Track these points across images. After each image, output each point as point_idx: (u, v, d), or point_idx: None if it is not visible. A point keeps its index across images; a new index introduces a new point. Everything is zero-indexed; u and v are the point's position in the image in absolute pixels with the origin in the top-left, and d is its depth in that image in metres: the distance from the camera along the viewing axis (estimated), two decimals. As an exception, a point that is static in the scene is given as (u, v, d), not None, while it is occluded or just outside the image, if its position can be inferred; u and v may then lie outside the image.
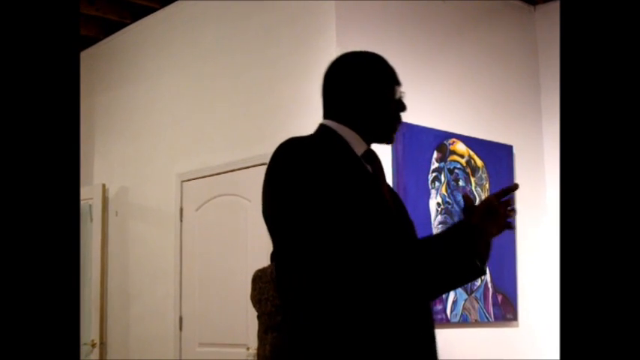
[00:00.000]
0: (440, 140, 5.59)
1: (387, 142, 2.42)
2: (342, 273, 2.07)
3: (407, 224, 2.40)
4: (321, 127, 2.37)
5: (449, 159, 5.63)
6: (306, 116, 5.21)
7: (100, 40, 7.44)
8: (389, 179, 5.26)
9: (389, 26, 5.53)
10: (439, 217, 5.50)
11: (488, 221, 2.25)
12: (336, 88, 2.38)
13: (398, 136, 5.23)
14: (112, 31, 7.26)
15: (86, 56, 7.67)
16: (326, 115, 2.39)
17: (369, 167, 2.33)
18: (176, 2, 6.59)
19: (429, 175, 5.48)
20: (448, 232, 2.28)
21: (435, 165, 5.52)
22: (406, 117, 5.40)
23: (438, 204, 5.51)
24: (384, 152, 5.22)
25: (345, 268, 2.07)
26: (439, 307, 5.42)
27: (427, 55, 5.73)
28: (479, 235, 2.23)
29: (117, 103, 7.17)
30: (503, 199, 2.30)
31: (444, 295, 5.44)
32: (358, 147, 2.32)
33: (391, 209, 2.30)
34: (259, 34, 5.74)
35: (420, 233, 5.32)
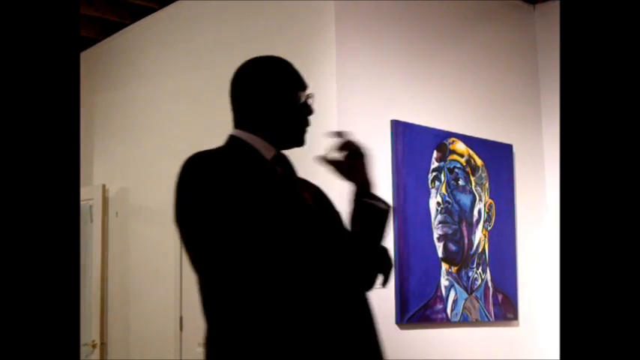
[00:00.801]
0: (439, 140, 5.59)
1: (299, 145, 2.43)
2: (255, 277, 2.12)
3: (330, 218, 2.41)
4: (230, 137, 2.40)
5: (449, 158, 5.63)
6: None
7: (100, 40, 7.44)
8: (388, 179, 5.26)
9: (388, 26, 5.53)
10: (439, 217, 5.50)
11: (360, 168, 2.43)
12: (240, 96, 2.40)
13: (397, 135, 5.24)
14: (111, 31, 7.26)
15: (85, 57, 7.67)
16: (235, 125, 2.41)
17: (279, 170, 2.35)
18: (175, 2, 6.59)
19: (429, 175, 5.48)
20: (359, 214, 2.40)
21: (434, 164, 5.52)
22: (406, 116, 5.40)
23: (438, 203, 5.51)
24: (383, 151, 5.23)
25: (257, 272, 2.11)
26: (439, 306, 5.42)
27: (426, 55, 5.73)
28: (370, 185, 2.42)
29: (117, 104, 7.17)
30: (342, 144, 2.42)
31: (444, 294, 5.44)
32: (267, 153, 2.35)
33: (307, 205, 2.31)
34: (259, 34, 5.74)
35: (421, 233, 5.31)
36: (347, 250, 2.27)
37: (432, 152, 5.53)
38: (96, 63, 7.54)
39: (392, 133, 5.33)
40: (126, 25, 7.11)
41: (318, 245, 2.20)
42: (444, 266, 5.50)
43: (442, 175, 5.56)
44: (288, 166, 2.40)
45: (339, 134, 2.42)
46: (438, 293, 5.43)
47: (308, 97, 2.44)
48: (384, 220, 2.46)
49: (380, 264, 2.45)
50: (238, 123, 2.40)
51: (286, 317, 2.13)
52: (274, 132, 2.35)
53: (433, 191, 5.49)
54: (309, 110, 2.43)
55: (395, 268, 5.23)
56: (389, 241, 5.21)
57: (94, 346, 6.81)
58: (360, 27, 5.35)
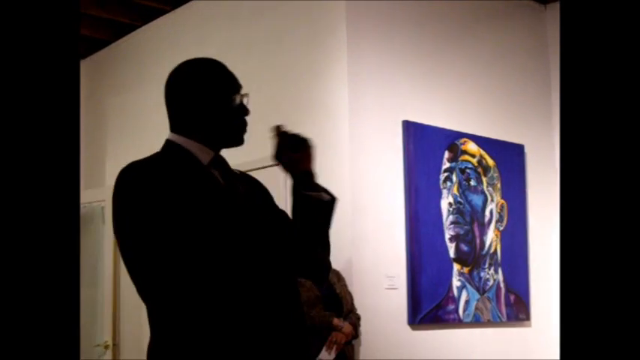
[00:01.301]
0: (451, 140, 5.58)
1: (237, 144, 2.42)
2: (187, 286, 2.12)
3: (264, 220, 2.38)
4: (166, 142, 2.40)
5: (460, 159, 5.63)
6: (318, 115, 5.22)
7: (111, 42, 7.46)
8: (400, 180, 5.26)
9: (399, 26, 5.53)
10: (451, 217, 5.49)
11: (300, 160, 2.44)
12: (173, 100, 2.40)
13: (409, 135, 5.25)
14: (122, 33, 7.28)
15: (97, 59, 7.69)
16: (171, 129, 2.41)
17: (216, 173, 2.34)
18: (186, 4, 6.60)
19: (441, 175, 5.48)
20: (300, 207, 2.42)
21: (446, 165, 5.52)
22: (417, 117, 5.39)
23: (450, 204, 5.51)
24: (394, 152, 5.23)
25: (189, 281, 2.12)
26: (451, 306, 5.42)
27: (438, 55, 5.73)
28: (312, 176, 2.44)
29: (129, 106, 7.18)
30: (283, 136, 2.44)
31: (455, 295, 5.44)
32: (204, 156, 2.33)
33: (239, 209, 2.29)
34: (270, 35, 5.74)
35: (432, 234, 5.31)
36: (278, 259, 2.28)
37: (444, 153, 5.52)
38: (107, 65, 7.56)
39: (403, 133, 5.33)
40: (137, 27, 7.12)
41: (250, 254, 2.20)
42: (456, 267, 5.49)
43: (454, 176, 5.56)
44: (225, 168, 2.39)
45: (278, 128, 2.42)
46: (450, 294, 5.43)
47: (242, 97, 2.42)
48: (328, 211, 2.45)
49: (316, 264, 2.44)
50: (174, 127, 2.40)
51: (220, 326, 2.14)
52: (210, 134, 2.34)
53: (445, 192, 5.49)
54: (244, 111, 2.42)
55: (407, 268, 5.23)
56: (400, 242, 5.22)
57: (106, 347, 6.82)
58: (371, 27, 5.35)
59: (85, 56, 7.77)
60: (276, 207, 2.49)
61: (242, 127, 2.41)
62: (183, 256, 2.11)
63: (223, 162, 2.40)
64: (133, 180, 2.21)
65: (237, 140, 2.41)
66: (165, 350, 2.18)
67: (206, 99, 2.34)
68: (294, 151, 2.41)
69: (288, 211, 2.48)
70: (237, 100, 2.38)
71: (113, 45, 7.47)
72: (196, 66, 2.41)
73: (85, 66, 7.83)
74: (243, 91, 2.43)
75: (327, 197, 2.43)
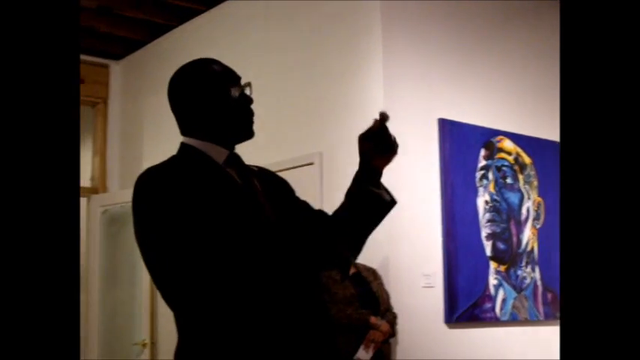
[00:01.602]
0: (487, 138, 5.56)
1: (248, 138, 2.40)
2: (211, 292, 2.12)
3: (286, 211, 2.38)
4: (181, 145, 2.40)
5: (496, 156, 5.60)
6: (352, 115, 5.22)
7: (147, 43, 7.51)
8: (436, 178, 5.25)
9: (434, 25, 5.51)
10: (487, 215, 5.47)
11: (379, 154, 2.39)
12: (177, 105, 2.42)
13: (445, 133, 5.24)
14: (158, 34, 7.32)
15: (133, 60, 7.74)
16: (182, 133, 2.41)
17: (232, 172, 2.33)
18: (221, 4, 6.62)
19: (477, 173, 5.46)
20: (361, 201, 2.40)
21: (482, 163, 5.50)
22: (453, 115, 5.38)
23: (486, 202, 5.49)
24: (430, 150, 5.22)
25: (213, 287, 2.12)
26: (488, 305, 5.40)
27: (472, 53, 5.71)
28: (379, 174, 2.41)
29: (165, 105, 7.18)
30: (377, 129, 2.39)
31: (492, 293, 5.42)
32: (218, 156, 2.33)
33: (258, 210, 2.28)
34: (305, 34, 5.75)
35: (469, 232, 5.29)
36: (300, 252, 2.27)
37: (480, 150, 5.50)
38: (143, 65, 7.61)
39: (439, 131, 5.31)
40: (172, 28, 7.17)
41: (270, 253, 2.20)
42: (493, 265, 5.47)
43: (490, 174, 5.54)
44: (240, 165, 2.39)
45: (383, 115, 2.40)
46: (487, 292, 5.41)
47: (244, 87, 2.40)
48: (382, 211, 2.43)
49: (341, 257, 2.43)
50: (184, 131, 2.41)
51: (244, 328, 2.14)
52: (218, 131, 2.34)
53: (481, 190, 5.47)
54: (247, 100, 2.39)
55: (443, 267, 5.22)
56: (437, 241, 5.21)
57: (144, 346, 6.87)
58: (405, 26, 5.34)
59: (121, 57, 7.83)
60: (297, 199, 2.49)
61: (248, 118, 2.38)
62: (204, 260, 2.11)
63: (238, 160, 2.39)
64: (151, 186, 2.22)
65: (246, 133, 2.39)
66: (191, 353, 2.19)
67: (205, 96, 2.34)
68: (380, 144, 2.37)
69: (328, 206, 2.47)
70: (236, 92, 2.36)
71: (149, 45, 7.52)
72: (192, 67, 2.42)
73: (121, 67, 7.89)
74: (243, 82, 2.41)
75: (387, 197, 2.41)
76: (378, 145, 2.37)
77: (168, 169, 2.28)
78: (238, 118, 2.36)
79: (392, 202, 2.42)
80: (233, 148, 2.38)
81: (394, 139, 2.39)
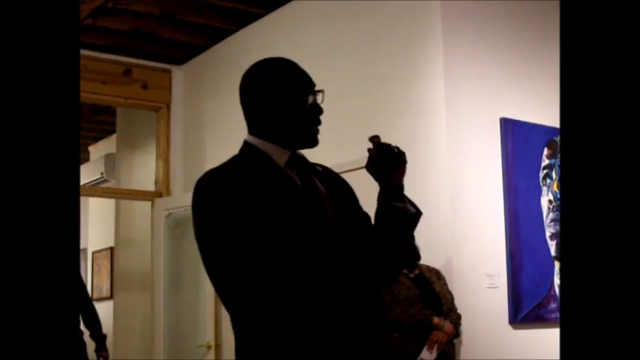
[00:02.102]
0: (550, 137, 5.51)
1: (311, 146, 2.38)
2: (271, 296, 2.13)
3: (347, 218, 2.37)
4: (244, 144, 2.39)
5: (560, 155, 5.55)
6: (415, 115, 5.21)
7: (208, 48, 7.57)
8: (499, 178, 5.22)
9: (494, 23, 5.48)
10: (551, 215, 5.42)
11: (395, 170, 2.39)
12: (248, 102, 2.38)
13: (507, 133, 5.20)
14: (219, 38, 7.38)
15: (195, 64, 7.81)
16: (249, 131, 2.40)
17: (293, 174, 2.31)
18: (281, 7, 6.65)
19: (540, 173, 5.41)
20: (387, 217, 2.38)
21: (545, 162, 5.45)
22: (515, 114, 5.33)
23: (550, 201, 5.43)
24: (492, 150, 5.19)
25: (272, 291, 2.12)
26: (553, 305, 5.35)
27: (533, 51, 5.66)
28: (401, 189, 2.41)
29: (227, 109, 7.27)
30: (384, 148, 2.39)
31: (557, 293, 5.36)
32: (280, 157, 2.31)
33: (318, 210, 2.28)
34: (365, 36, 5.75)
35: (533, 232, 5.24)
36: (358, 261, 2.27)
37: (543, 149, 5.45)
38: (205, 70, 7.67)
39: (501, 131, 5.28)
40: (233, 32, 7.21)
41: (329, 258, 2.20)
42: (558, 265, 5.41)
43: (553, 173, 5.48)
44: (303, 167, 2.38)
45: (374, 139, 2.39)
46: (552, 292, 5.36)
47: (316, 96, 2.38)
48: (411, 223, 2.39)
49: (386, 272, 2.42)
50: (251, 129, 2.39)
51: (302, 332, 2.14)
52: (284, 135, 2.32)
53: (544, 189, 5.42)
54: (318, 110, 2.36)
55: (507, 267, 5.19)
56: (500, 241, 5.17)
57: (208, 348, 6.94)
58: (466, 25, 5.32)
59: (182, 62, 7.91)
60: (360, 208, 2.47)
61: (314, 127, 2.37)
62: (263, 262, 2.12)
63: (301, 161, 2.38)
64: (210, 189, 2.22)
65: (310, 141, 2.37)
66: (249, 355, 2.21)
67: (279, 99, 2.32)
68: (387, 164, 2.38)
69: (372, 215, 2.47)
70: (308, 99, 2.35)
71: (210, 50, 7.58)
72: (269, 66, 2.41)
73: (183, 71, 7.97)
74: (317, 88, 2.40)
75: (412, 210, 2.38)
76: (385, 163, 2.38)
77: (227, 171, 2.28)
78: (305, 126, 2.35)
79: (417, 214, 2.40)
80: (295, 151, 2.37)
81: (396, 148, 2.38)
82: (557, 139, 5.54)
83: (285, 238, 2.16)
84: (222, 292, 2.21)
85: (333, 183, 2.45)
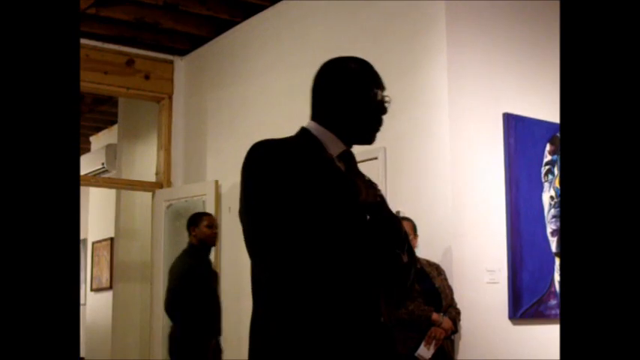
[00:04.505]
0: (552, 132, 5.49)
1: (367, 143, 2.46)
2: (302, 269, 2.18)
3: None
4: (301, 129, 2.44)
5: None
6: (417, 110, 5.20)
7: (211, 39, 7.56)
8: (501, 173, 5.21)
9: (498, 19, 5.47)
10: (552, 211, 5.41)
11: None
12: (319, 91, 2.45)
13: (510, 128, 5.18)
14: (222, 29, 7.36)
15: (198, 55, 7.80)
16: (312, 117, 2.45)
17: (341, 166, 2.37)
18: (285, 0, 6.64)
19: (542, 169, 5.40)
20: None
21: (547, 158, 5.44)
22: (517, 109, 5.32)
23: (552, 197, 5.42)
24: (495, 145, 5.18)
25: (308, 257, 2.17)
26: (553, 302, 5.34)
27: (536, 47, 5.64)
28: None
29: (228, 101, 7.26)
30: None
31: (557, 289, 5.35)
32: (334, 148, 2.38)
33: (355, 204, 2.32)
34: (369, 31, 5.74)
35: (534, 228, 5.22)
36: (383, 258, 2.32)
37: (545, 145, 5.44)
38: (208, 61, 7.66)
39: (504, 126, 5.27)
40: (237, 23, 7.20)
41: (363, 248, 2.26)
42: (559, 261, 5.40)
43: (555, 169, 5.47)
44: (353, 165, 2.44)
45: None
46: (552, 289, 5.35)
47: (384, 97, 2.45)
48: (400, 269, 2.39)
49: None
50: (314, 115, 2.45)
51: (331, 305, 2.19)
52: (346, 128, 2.39)
53: (546, 185, 5.41)
54: (383, 109, 2.43)
55: (507, 262, 5.18)
56: (501, 236, 5.16)
57: (208, 340, 6.93)
58: (470, 20, 5.30)
59: (186, 53, 7.91)
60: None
61: (377, 125, 2.45)
62: (305, 233, 2.17)
63: (351, 158, 2.43)
64: (263, 156, 2.27)
65: (368, 138, 2.45)
66: (270, 324, 2.23)
67: (349, 92, 2.40)
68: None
69: None
70: (379, 98, 2.42)
71: (213, 41, 7.57)
72: (345, 61, 2.48)
73: (186, 62, 7.96)
74: (386, 93, 2.46)
75: (405, 259, 2.39)
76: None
77: (281, 145, 2.33)
78: (369, 122, 2.43)
79: (408, 265, 2.40)
80: (350, 146, 2.43)
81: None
82: (558, 134, 5.53)
83: (327, 216, 2.22)
84: (259, 253, 2.26)
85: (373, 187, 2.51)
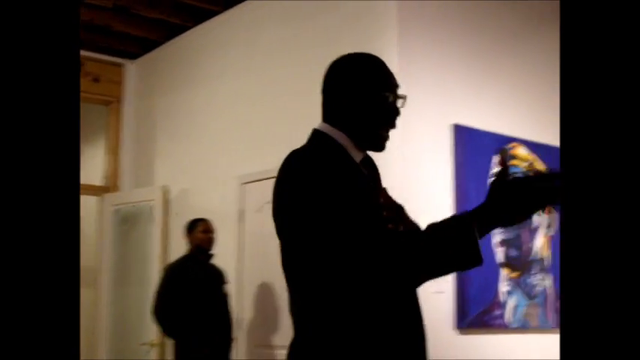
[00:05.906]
0: (499, 144, 5.54)
1: (378, 150, 2.37)
2: (342, 270, 2.10)
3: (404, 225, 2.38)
4: (316, 132, 2.37)
5: (509, 163, 5.58)
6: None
7: (162, 43, 7.52)
8: (449, 183, 5.23)
9: (450, 29, 5.50)
10: (499, 222, 5.45)
11: (514, 202, 2.27)
12: (330, 90, 2.38)
13: (458, 139, 5.21)
14: (174, 34, 7.33)
15: (149, 59, 7.76)
16: (323, 118, 2.39)
17: (365, 172, 2.32)
18: (238, 5, 6.63)
19: (490, 179, 5.44)
20: (447, 223, 2.30)
21: (494, 169, 5.48)
22: (467, 120, 5.36)
23: (499, 208, 5.46)
24: (443, 155, 5.20)
25: (344, 265, 2.10)
26: (498, 312, 5.38)
27: (488, 59, 5.69)
28: (489, 220, 2.32)
29: (178, 106, 7.23)
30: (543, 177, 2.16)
31: (502, 300, 5.40)
32: (355, 153, 2.31)
33: (382, 210, 2.28)
34: (320, 36, 5.75)
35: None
36: (404, 254, 2.22)
37: (492, 157, 5.49)
38: (158, 65, 7.63)
39: (453, 137, 5.30)
40: (189, 28, 7.18)
41: (385, 248, 2.15)
42: (504, 272, 5.45)
43: (503, 180, 5.51)
44: (374, 170, 2.40)
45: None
46: (497, 299, 5.39)
47: (397, 97, 2.36)
48: (462, 264, 2.23)
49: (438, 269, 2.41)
50: (325, 116, 2.38)
51: (360, 322, 2.16)
52: (358, 129, 2.30)
53: (494, 196, 5.44)
54: (395, 110, 2.34)
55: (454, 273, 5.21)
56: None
57: (152, 346, 6.89)
58: (422, 29, 5.33)
59: (136, 57, 7.86)
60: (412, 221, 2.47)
61: (389, 128, 2.35)
62: (349, 249, 2.09)
63: (372, 164, 2.40)
64: (306, 163, 2.20)
65: (377, 144, 2.36)
66: (314, 349, 2.18)
67: (360, 88, 2.32)
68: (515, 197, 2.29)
69: None
70: (391, 99, 2.34)
71: (164, 45, 7.54)
72: (355, 60, 2.43)
73: (137, 66, 7.91)
74: (400, 92, 2.39)
75: (479, 258, 2.19)
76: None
77: (315, 154, 2.26)
78: (380, 124, 2.33)
79: (477, 262, 2.24)
80: (364, 151, 2.36)
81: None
82: (508, 147, 5.58)
83: (369, 230, 2.14)
84: (299, 272, 2.20)
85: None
